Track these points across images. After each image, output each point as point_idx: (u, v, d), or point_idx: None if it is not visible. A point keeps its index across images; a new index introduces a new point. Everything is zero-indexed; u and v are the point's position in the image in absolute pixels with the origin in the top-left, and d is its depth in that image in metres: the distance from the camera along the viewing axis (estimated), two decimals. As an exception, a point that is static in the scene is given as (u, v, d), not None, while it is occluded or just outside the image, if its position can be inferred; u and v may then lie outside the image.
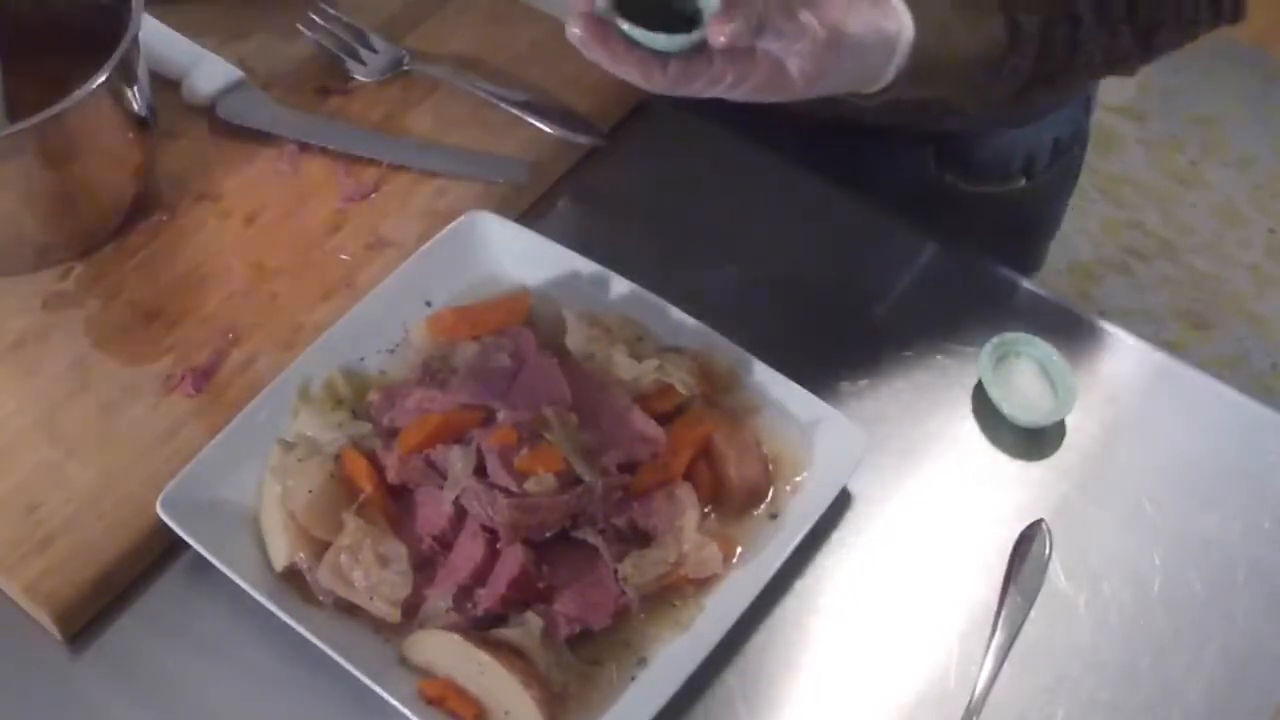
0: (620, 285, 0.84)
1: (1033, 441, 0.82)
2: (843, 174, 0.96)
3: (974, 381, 0.84)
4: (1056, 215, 1.21)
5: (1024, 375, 0.84)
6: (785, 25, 0.66)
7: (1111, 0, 0.80)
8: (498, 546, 0.72)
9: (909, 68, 0.73)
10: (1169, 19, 0.82)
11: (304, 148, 0.94)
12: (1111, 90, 2.59)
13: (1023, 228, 1.16)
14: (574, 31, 0.65)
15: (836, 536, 0.78)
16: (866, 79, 0.73)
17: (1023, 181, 1.10)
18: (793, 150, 0.97)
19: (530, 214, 0.92)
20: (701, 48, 0.66)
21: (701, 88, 0.67)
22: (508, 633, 0.70)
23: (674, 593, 0.73)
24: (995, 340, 0.84)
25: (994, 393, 0.82)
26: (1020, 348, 0.84)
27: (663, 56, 0.66)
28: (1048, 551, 0.77)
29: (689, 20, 0.66)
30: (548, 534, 0.72)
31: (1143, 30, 0.82)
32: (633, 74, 0.66)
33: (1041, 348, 0.84)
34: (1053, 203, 1.18)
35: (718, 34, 0.64)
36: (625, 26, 0.65)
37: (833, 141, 1.00)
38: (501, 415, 0.75)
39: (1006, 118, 1.05)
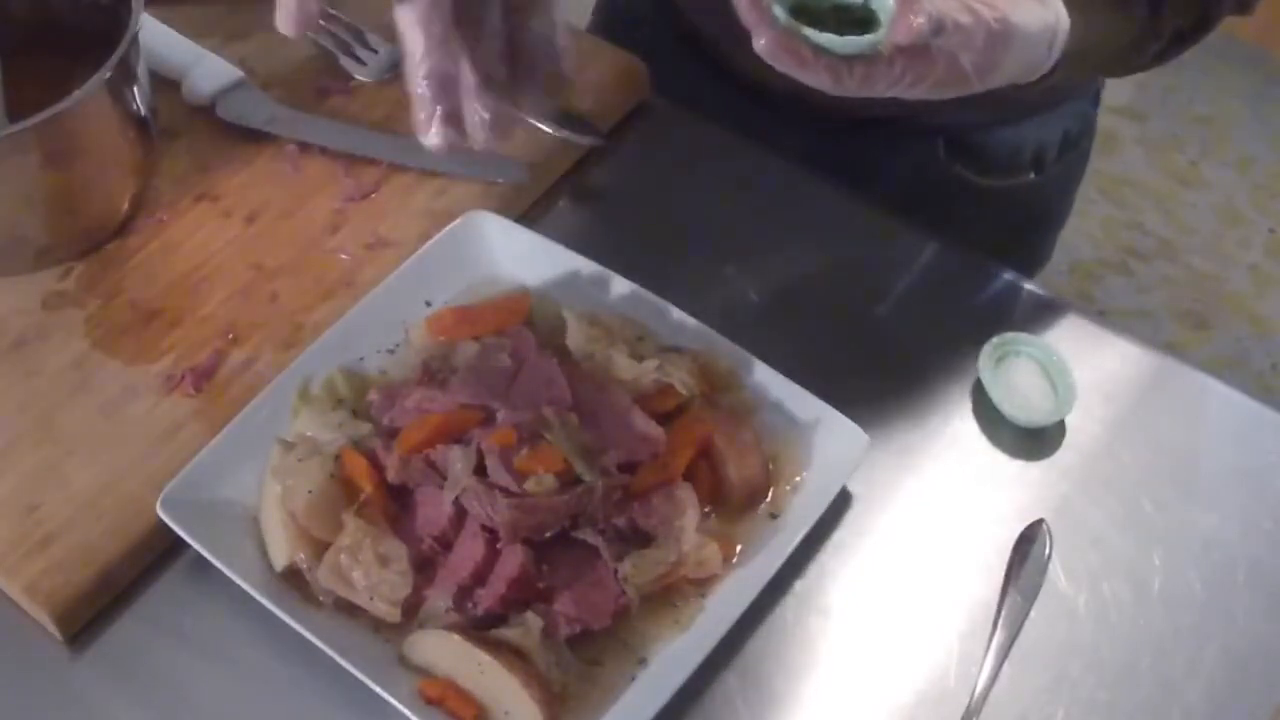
0: (620, 285, 0.84)
1: (1033, 441, 0.82)
2: (850, 168, 0.96)
3: (974, 381, 0.84)
4: (1064, 208, 1.21)
5: (1024, 375, 0.84)
6: (961, 20, 0.67)
7: None
8: (498, 546, 0.72)
9: (1065, 53, 0.75)
10: None
11: (304, 148, 0.94)
12: (1112, 90, 2.58)
13: (1031, 221, 1.16)
14: (760, 43, 0.65)
15: (836, 536, 0.78)
16: (1031, 68, 0.75)
17: (1031, 175, 1.10)
18: (796, 145, 0.97)
19: (530, 214, 0.92)
20: (879, 49, 0.67)
21: (884, 88, 0.68)
22: (508, 633, 0.70)
23: (674, 593, 0.73)
24: (995, 340, 0.84)
25: (994, 393, 0.82)
26: (1020, 347, 0.84)
27: (847, 60, 0.66)
28: (1048, 551, 0.77)
29: (861, 23, 0.67)
30: (548, 534, 0.72)
31: None
32: (823, 79, 0.66)
33: (1041, 348, 0.84)
34: (1061, 196, 1.18)
35: (902, 33, 0.65)
36: (810, 34, 0.66)
37: (840, 136, 1.00)
38: (501, 415, 0.75)
39: (1018, 109, 1.05)
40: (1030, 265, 1.17)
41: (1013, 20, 0.69)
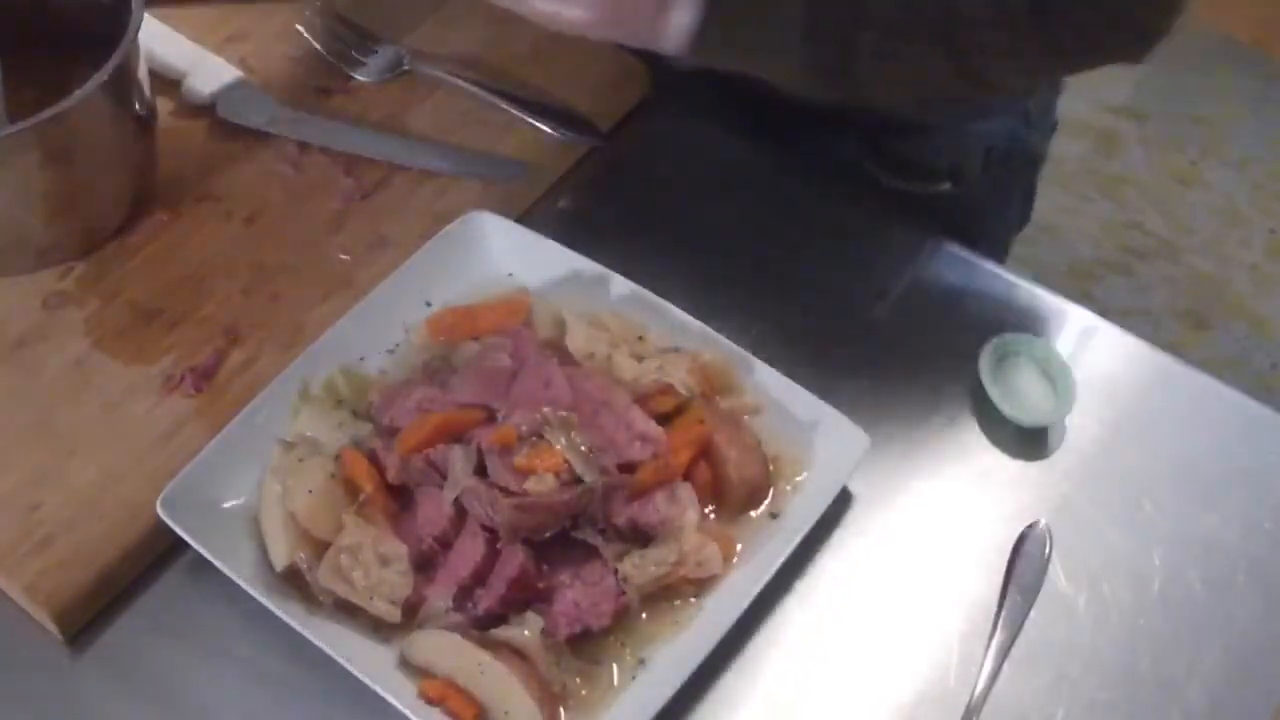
0: (620, 285, 0.84)
1: (1033, 441, 0.82)
2: (787, 154, 0.95)
3: (974, 381, 0.84)
4: (998, 224, 1.17)
5: (1024, 375, 0.84)
6: None
7: None
8: (498, 546, 0.72)
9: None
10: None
11: (304, 148, 0.94)
12: (1112, 90, 2.59)
13: (953, 230, 1.13)
14: None
15: (836, 536, 0.78)
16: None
17: (948, 185, 1.08)
18: (745, 127, 0.97)
19: (530, 214, 0.92)
20: None
21: None
22: (508, 633, 0.70)
23: (674, 593, 0.73)
24: (995, 340, 0.84)
25: (994, 393, 0.82)
26: (1020, 348, 0.84)
27: None
28: (1048, 551, 0.77)
29: None
30: (548, 534, 0.72)
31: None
32: None
33: (1041, 348, 0.84)
34: (989, 210, 1.14)
35: None
36: None
37: (782, 122, 0.99)
38: (501, 415, 0.75)
39: (923, 112, 1.03)
40: None
41: None
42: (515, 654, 0.69)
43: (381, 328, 0.83)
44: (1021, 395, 0.83)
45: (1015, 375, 0.84)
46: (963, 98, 0.84)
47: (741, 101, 0.99)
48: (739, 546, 0.75)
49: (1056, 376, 0.83)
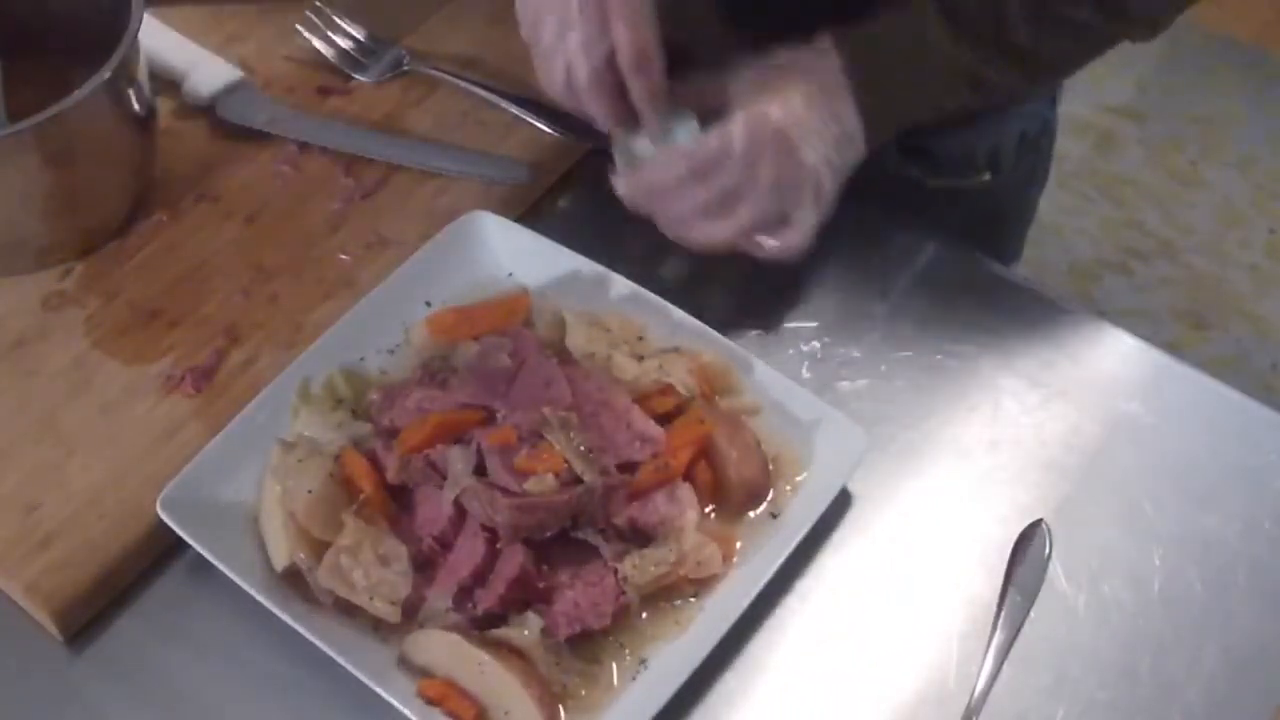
0: (620, 285, 0.84)
1: (1033, 441, 0.82)
2: None
3: (974, 381, 0.84)
4: (1027, 208, 1.20)
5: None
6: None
7: None
8: (498, 546, 0.72)
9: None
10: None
11: (304, 148, 0.94)
12: (1112, 90, 2.59)
13: (992, 221, 1.14)
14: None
15: (836, 536, 0.78)
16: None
17: (988, 176, 1.09)
18: None
19: (530, 214, 0.92)
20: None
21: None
22: (508, 633, 0.70)
23: (674, 593, 0.73)
24: None
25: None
26: None
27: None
28: (1048, 551, 0.77)
29: None
30: (548, 534, 0.72)
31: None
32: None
33: None
34: (1020, 196, 1.17)
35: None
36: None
37: None
38: (501, 415, 0.75)
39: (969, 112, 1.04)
40: (999, 264, 1.16)
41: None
42: (515, 654, 0.69)
43: (381, 328, 0.83)
44: None
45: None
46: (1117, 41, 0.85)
47: None
48: (739, 546, 0.75)
49: None
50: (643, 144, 0.82)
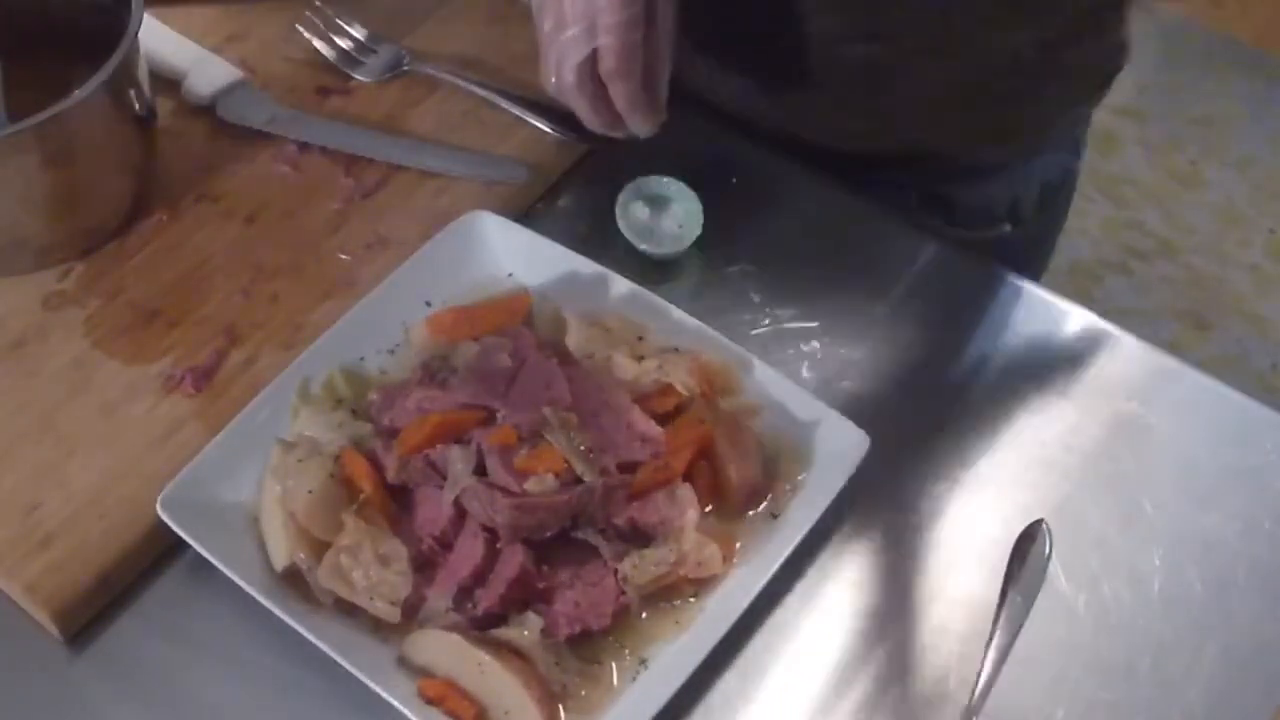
0: (620, 285, 0.84)
1: (1032, 440, 0.82)
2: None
3: (974, 382, 0.84)
4: (1041, 256, 1.18)
5: (643, 213, 0.90)
6: None
7: None
8: (498, 546, 0.72)
9: None
10: None
11: (304, 148, 0.94)
12: (1112, 90, 2.59)
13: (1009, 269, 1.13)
14: None
15: (836, 536, 0.78)
16: None
17: (1008, 227, 1.07)
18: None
19: (530, 214, 0.92)
20: None
21: None
22: (508, 633, 0.70)
23: (674, 593, 0.73)
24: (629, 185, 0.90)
25: (629, 235, 0.88)
26: (652, 190, 0.90)
27: None
28: (1048, 551, 0.77)
29: None
30: (548, 534, 0.72)
31: None
32: None
33: (665, 185, 0.90)
34: (1038, 247, 1.15)
35: None
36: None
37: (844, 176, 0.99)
38: (501, 415, 0.75)
39: (992, 154, 1.03)
40: None
41: None
42: (515, 654, 0.69)
43: (381, 328, 0.83)
44: (646, 229, 0.89)
45: (637, 214, 0.89)
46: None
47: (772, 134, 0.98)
48: (739, 546, 0.75)
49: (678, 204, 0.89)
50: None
